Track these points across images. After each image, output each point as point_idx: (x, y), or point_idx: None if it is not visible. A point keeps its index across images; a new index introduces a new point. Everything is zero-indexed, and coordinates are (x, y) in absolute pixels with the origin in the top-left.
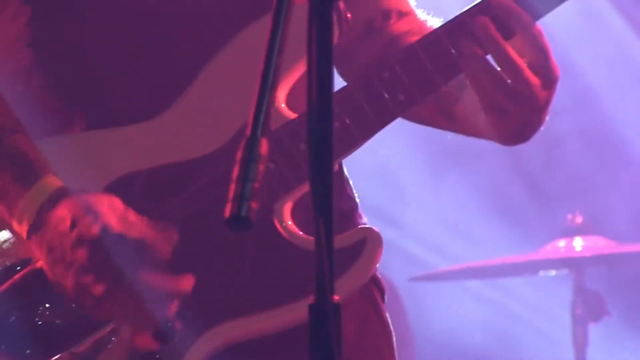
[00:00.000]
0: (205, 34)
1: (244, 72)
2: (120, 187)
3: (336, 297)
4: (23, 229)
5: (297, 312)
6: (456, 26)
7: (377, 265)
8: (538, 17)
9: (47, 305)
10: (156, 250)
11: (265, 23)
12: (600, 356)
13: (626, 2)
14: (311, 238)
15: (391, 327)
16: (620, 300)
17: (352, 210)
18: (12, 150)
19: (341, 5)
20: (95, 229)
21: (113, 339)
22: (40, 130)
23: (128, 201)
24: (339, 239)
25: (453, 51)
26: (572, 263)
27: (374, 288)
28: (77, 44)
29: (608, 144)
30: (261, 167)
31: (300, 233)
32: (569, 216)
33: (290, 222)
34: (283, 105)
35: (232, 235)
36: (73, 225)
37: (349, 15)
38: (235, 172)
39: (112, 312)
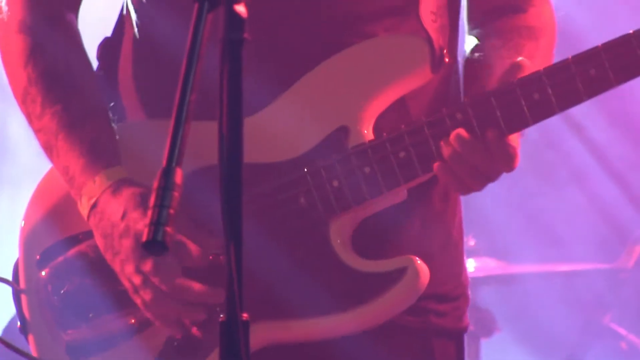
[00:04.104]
0: (323, 38)
1: (341, 86)
2: (197, 177)
3: (245, 315)
4: (84, 211)
5: (322, 325)
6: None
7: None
8: None
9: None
10: (190, 256)
11: (385, 41)
12: None
13: None
14: (359, 258)
15: None
16: (509, 317)
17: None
18: (89, 136)
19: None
20: (141, 225)
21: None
22: (143, 112)
23: (200, 191)
24: (383, 263)
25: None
26: None
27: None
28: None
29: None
30: (176, 194)
31: (351, 250)
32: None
33: (339, 241)
34: (365, 131)
35: (283, 238)
36: (124, 216)
37: (446, 59)
38: (152, 199)
39: (148, 302)
